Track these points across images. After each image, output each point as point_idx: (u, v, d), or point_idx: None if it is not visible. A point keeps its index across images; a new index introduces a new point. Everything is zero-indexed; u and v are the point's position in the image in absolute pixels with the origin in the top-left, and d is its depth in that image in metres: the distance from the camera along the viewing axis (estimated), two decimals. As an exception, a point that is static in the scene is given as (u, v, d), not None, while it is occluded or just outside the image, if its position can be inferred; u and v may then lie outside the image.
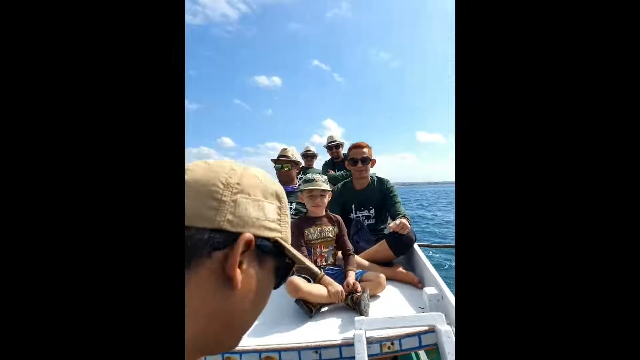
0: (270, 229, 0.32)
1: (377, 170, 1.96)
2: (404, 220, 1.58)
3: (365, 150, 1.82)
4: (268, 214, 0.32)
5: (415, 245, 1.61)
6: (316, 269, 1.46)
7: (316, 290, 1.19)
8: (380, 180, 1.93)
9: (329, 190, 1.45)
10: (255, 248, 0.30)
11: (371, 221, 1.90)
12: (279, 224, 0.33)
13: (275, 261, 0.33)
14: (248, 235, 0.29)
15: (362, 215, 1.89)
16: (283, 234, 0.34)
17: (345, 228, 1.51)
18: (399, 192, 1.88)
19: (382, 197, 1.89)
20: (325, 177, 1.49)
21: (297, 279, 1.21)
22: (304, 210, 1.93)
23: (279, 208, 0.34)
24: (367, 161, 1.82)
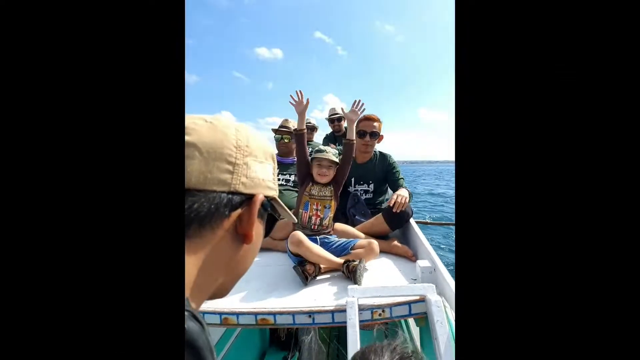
0: (271, 188, 0.34)
1: (379, 146, 1.92)
2: (403, 193, 1.58)
3: (375, 124, 1.77)
4: (269, 175, 0.34)
5: (412, 220, 1.63)
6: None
7: (316, 249, 1.24)
8: (383, 156, 1.90)
9: (337, 164, 1.48)
10: (260, 207, 0.32)
11: (369, 195, 1.89)
12: (274, 184, 0.36)
13: (270, 214, 0.37)
14: (261, 196, 0.32)
15: (361, 189, 1.89)
16: (277, 192, 0.37)
17: (359, 205, 1.59)
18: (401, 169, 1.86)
19: (383, 173, 1.88)
20: (336, 151, 1.50)
21: (300, 233, 1.26)
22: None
23: (274, 168, 0.36)
24: (376, 135, 1.78)
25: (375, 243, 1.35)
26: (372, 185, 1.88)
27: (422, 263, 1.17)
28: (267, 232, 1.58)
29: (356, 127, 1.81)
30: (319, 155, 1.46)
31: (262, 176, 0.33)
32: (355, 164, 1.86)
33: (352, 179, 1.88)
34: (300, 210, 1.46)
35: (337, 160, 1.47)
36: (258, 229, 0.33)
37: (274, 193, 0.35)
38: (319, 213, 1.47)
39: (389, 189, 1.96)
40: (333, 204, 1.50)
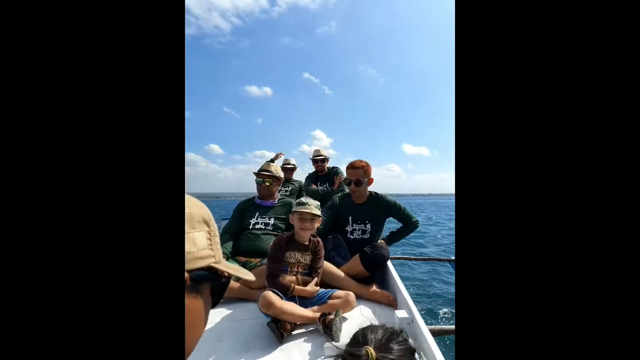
0: (202, 258, 0.33)
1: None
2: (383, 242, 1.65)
3: (360, 171, 1.84)
4: (199, 244, 0.33)
5: (389, 263, 1.63)
6: (287, 283, 1.42)
7: (289, 307, 1.19)
8: (379, 197, 1.94)
9: (319, 217, 1.46)
10: (190, 282, 0.31)
11: (366, 236, 1.89)
12: (211, 249, 0.34)
13: (211, 283, 0.35)
14: (185, 274, 0.30)
15: (358, 229, 1.89)
16: (216, 256, 0.35)
17: (323, 253, 1.51)
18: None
19: (379, 214, 1.91)
20: (318, 203, 1.50)
21: (271, 294, 1.20)
22: (282, 225, 1.93)
23: (208, 232, 0.35)
24: (360, 184, 1.84)
25: (352, 295, 1.33)
26: (369, 225, 1.89)
27: (400, 314, 1.15)
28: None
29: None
30: (300, 208, 1.44)
31: (188, 249, 0.31)
32: (353, 204, 1.90)
33: (350, 218, 1.89)
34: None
35: (319, 213, 1.46)
36: (193, 304, 0.31)
37: (210, 260, 0.34)
38: (298, 275, 1.42)
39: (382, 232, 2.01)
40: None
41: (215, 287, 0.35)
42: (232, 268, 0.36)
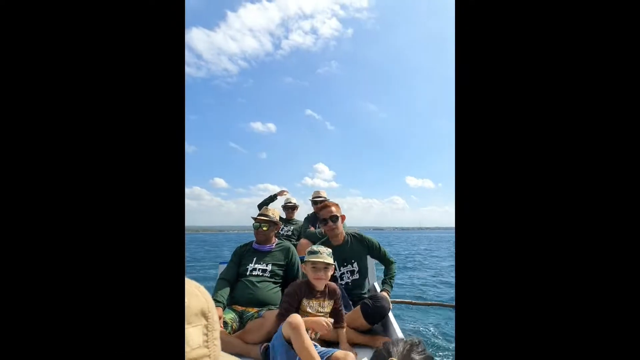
0: (195, 359, 0.31)
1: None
2: (385, 294, 1.62)
3: (332, 208, 1.87)
4: (193, 342, 0.31)
5: (390, 315, 1.59)
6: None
7: (308, 343, 1.13)
8: (355, 236, 1.94)
9: (332, 264, 1.44)
10: None
11: (356, 276, 1.86)
12: (207, 345, 0.32)
13: None
14: None
15: (347, 271, 1.86)
16: (211, 355, 0.33)
17: (341, 299, 1.49)
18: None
19: (362, 251, 1.90)
20: (330, 251, 1.48)
21: (299, 318, 1.16)
22: (279, 272, 1.90)
23: (206, 327, 0.33)
24: (336, 219, 1.86)
25: (351, 356, 1.26)
26: (355, 264, 1.86)
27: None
28: None
29: (318, 215, 1.93)
30: (313, 258, 1.40)
31: (184, 348, 0.30)
32: (333, 247, 1.88)
33: (336, 262, 1.86)
34: None
35: (331, 261, 1.43)
36: None
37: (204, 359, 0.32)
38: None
39: (368, 271, 1.97)
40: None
41: None
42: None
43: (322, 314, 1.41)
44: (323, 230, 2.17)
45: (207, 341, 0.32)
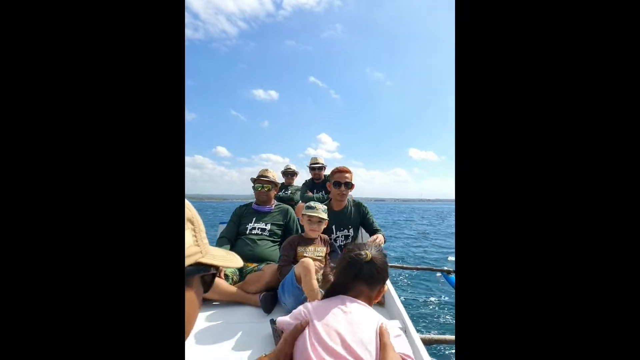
0: (189, 256, 0.35)
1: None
2: (380, 236, 1.75)
3: (348, 175, 1.95)
4: (189, 240, 0.35)
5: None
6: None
7: (315, 285, 1.29)
8: (357, 204, 2.04)
9: (326, 219, 1.67)
10: None
11: (349, 240, 1.97)
12: (197, 244, 0.37)
13: (201, 274, 0.38)
14: None
15: (342, 235, 1.96)
16: (202, 250, 0.37)
17: (335, 252, 1.70)
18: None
19: (359, 219, 2.00)
20: (325, 208, 1.69)
21: (311, 263, 1.34)
22: (278, 231, 1.97)
23: (193, 230, 0.37)
24: (349, 185, 1.95)
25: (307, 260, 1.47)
26: (351, 230, 1.97)
27: (393, 323, 1.19)
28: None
29: (331, 178, 1.96)
30: (309, 212, 1.63)
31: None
32: (333, 212, 1.96)
33: (333, 226, 1.95)
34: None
35: (325, 217, 1.65)
36: (187, 295, 0.35)
37: (197, 256, 0.36)
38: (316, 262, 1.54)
39: (360, 239, 2.07)
40: (325, 263, 1.60)
41: (204, 276, 0.38)
42: (219, 258, 0.39)
43: (319, 257, 1.62)
44: (329, 194, 2.24)
45: (196, 240, 0.37)
